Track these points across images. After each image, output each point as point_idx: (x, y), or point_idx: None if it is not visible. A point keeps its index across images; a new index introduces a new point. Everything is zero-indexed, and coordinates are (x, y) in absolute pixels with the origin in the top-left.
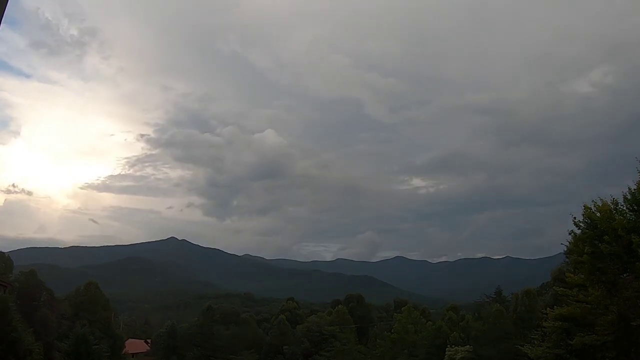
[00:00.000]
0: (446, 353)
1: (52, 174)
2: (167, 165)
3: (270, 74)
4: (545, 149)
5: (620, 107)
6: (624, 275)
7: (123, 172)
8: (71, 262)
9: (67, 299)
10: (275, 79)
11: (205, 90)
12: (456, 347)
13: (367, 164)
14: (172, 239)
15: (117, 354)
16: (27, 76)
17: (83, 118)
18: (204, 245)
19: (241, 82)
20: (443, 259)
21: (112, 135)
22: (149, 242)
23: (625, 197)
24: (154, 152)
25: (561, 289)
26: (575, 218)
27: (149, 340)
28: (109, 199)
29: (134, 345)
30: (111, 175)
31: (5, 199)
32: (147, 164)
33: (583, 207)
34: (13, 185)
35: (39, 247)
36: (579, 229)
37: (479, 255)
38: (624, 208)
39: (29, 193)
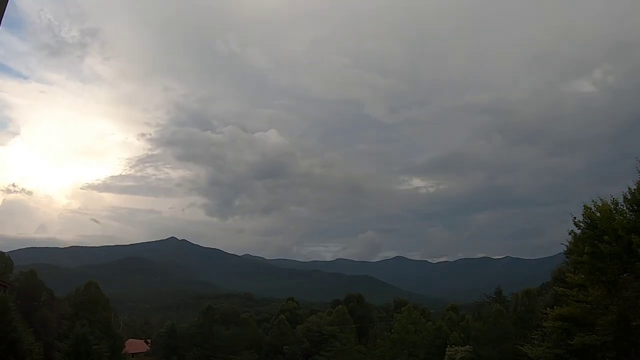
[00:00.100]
0: (446, 353)
1: (52, 174)
2: (168, 166)
3: (270, 74)
4: (546, 149)
5: (620, 107)
6: (624, 275)
7: (124, 173)
8: (71, 262)
9: (67, 299)
10: (276, 79)
11: (205, 91)
12: (456, 347)
13: (367, 164)
14: (172, 239)
15: (117, 354)
16: (28, 77)
17: (83, 118)
18: (204, 245)
19: (241, 82)
20: (443, 259)
21: (112, 135)
22: (149, 242)
23: (625, 197)
24: (154, 153)
25: (561, 289)
26: (575, 218)
27: (149, 340)
28: (109, 199)
29: (134, 345)
30: (111, 176)
31: (5, 199)
32: (147, 164)
33: (583, 207)
34: (13, 185)
35: (39, 247)
36: (579, 229)
37: (479, 255)
38: (624, 208)
39: (29, 193)
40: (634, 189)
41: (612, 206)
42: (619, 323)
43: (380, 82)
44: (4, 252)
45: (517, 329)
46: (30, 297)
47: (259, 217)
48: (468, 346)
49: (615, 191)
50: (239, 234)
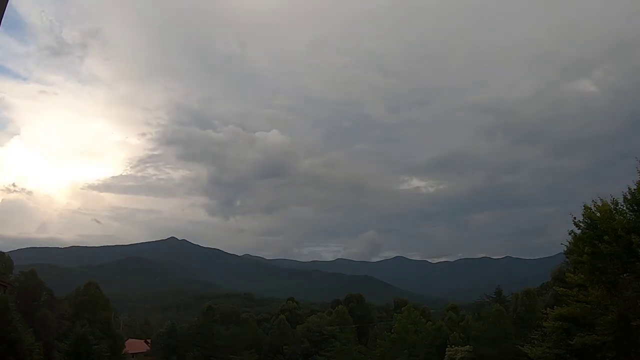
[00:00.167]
0: (446, 353)
1: (52, 174)
2: (169, 166)
3: (271, 74)
4: (546, 149)
5: (621, 107)
6: (624, 275)
7: (124, 173)
8: (71, 262)
9: (67, 299)
10: (276, 79)
11: (206, 90)
12: (456, 347)
13: (367, 164)
14: (172, 239)
15: (117, 354)
16: (28, 78)
17: (83, 118)
18: (204, 245)
19: (242, 82)
20: (443, 259)
21: (112, 135)
22: (149, 242)
23: (625, 197)
24: (155, 153)
25: (561, 289)
26: (575, 218)
27: (149, 340)
28: (109, 199)
29: (134, 345)
30: (112, 176)
31: (5, 199)
32: (148, 164)
33: (583, 207)
34: (13, 185)
35: (39, 247)
36: (579, 229)
37: (479, 255)
38: (624, 208)
39: (29, 193)
40: (634, 189)
41: (612, 206)
42: (619, 323)
43: (380, 82)
44: (4, 252)
45: (517, 329)
46: (30, 297)
47: (259, 217)
48: (468, 346)
49: (615, 191)
50: (239, 234)
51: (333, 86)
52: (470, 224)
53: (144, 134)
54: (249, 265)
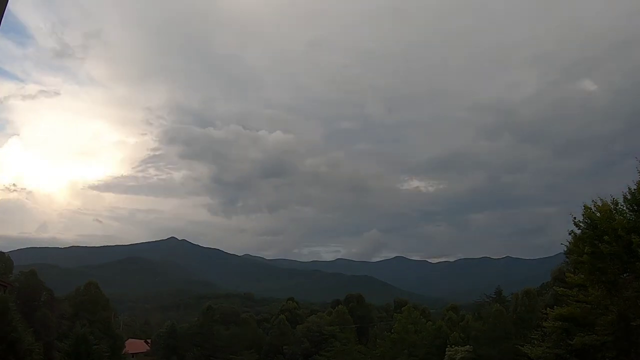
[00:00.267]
0: (446, 353)
1: (52, 174)
2: (170, 165)
3: (271, 74)
4: (546, 149)
5: (621, 107)
6: (624, 275)
7: (125, 173)
8: (71, 262)
9: (67, 299)
10: (276, 79)
11: (207, 90)
12: (456, 347)
13: (367, 164)
14: (172, 239)
15: (117, 354)
16: (28, 79)
17: (83, 118)
18: (204, 245)
19: (242, 82)
20: (443, 259)
21: (113, 135)
22: (149, 242)
23: (625, 197)
24: (156, 153)
25: (561, 289)
26: (575, 218)
27: (149, 340)
28: (109, 198)
29: (134, 345)
30: (112, 176)
31: (5, 199)
32: (149, 164)
33: (583, 207)
34: (13, 185)
35: (39, 247)
36: (579, 229)
37: (479, 255)
38: (624, 208)
39: (29, 193)
40: (634, 189)
41: (612, 206)
42: (619, 323)
43: (380, 82)
44: (4, 252)
45: (517, 329)
46: (30, 297)
47: (260, 217)
48: (468, 346)
49: (616, 191)
50: (239, 234)
51: (333, 86)
52: (470, 224)
53: (144, 134)
54: (249, 265)
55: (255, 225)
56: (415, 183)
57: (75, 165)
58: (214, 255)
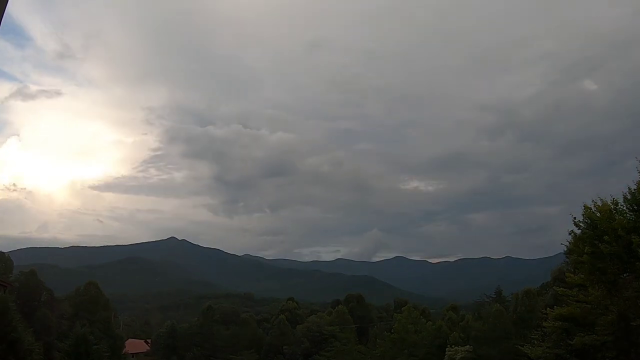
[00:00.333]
0: (446, 353)
1: (52, 174)
2: (170, 165)
3: (271, 74)
4: (546, 149)
5: (621, 107)
6: (624, 275)
7: (126, 173)
8: (71, 262)
9: (67, 299)
10: (276, 79)
11: (208, 90)
12: (456, 347)
13: (367, 164)
14: (172, 239)
15: (117, 354)
16: (28, 79)
17: (84, 119)
18: (204, 245)
19: (242, 82)
20: (443, 259)
21: (113, 135)
22: (149, 242)
23: (625, 197)
24: (157, 153)
25: (561, 289)
26: (575, 218)
27: (149, 340)
28: (109, 198)
29: (134, 345)
30: (112, 176)
31: (5, 199)
32: (150, 164)
33: (583, 207)
34: (13, 185)
35: (39, 247)
36: (579, 229)
37: (479, 255)
38: (624, 208)
39: (29, 193)
40: (634, 189)
41: (612, 206)
42: (619, 323)
43: (380, 82)
44: (4, 252)
45: (517, 329)
46: (30, 297)
47: (260, 216)
48: (468, 346)
49: (616, 191)
50: (239, 234)
51: (333, 86)
52: (471, 223)
53: (145, 134)
54: (249, 265)
55: (255, 225)
56: (415, 183)
57: (76, 166)
58: (214, 255)
